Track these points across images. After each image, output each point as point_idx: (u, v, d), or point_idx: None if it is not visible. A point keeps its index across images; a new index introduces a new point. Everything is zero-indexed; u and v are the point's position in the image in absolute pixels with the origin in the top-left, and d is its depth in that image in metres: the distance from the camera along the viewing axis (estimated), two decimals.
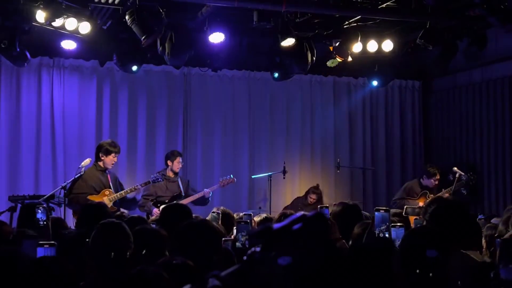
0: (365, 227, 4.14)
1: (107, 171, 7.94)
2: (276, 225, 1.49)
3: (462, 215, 3.67)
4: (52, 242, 3.54)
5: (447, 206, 3.72)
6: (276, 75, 9.99)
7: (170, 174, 8.69)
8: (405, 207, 8.27)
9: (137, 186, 8.03)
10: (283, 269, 1.43)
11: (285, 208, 9.39)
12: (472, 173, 9.56)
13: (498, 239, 3.70)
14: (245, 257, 1.46)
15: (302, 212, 1.52)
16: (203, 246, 3.41)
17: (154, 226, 4.39)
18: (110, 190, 7.82)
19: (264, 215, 5.99)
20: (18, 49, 8.17)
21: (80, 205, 7.38)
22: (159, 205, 8.25)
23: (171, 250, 3.60)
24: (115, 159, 7.98)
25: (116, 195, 7.79)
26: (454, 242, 3.49)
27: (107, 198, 7.68)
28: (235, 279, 1.46)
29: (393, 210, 6.47)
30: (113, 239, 3.49)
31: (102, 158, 7.88)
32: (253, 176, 10.44)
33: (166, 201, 8.19)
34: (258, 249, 1.45)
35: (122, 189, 8.03)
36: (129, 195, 7.94)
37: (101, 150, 7.93)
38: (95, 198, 7.61)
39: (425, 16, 8.33)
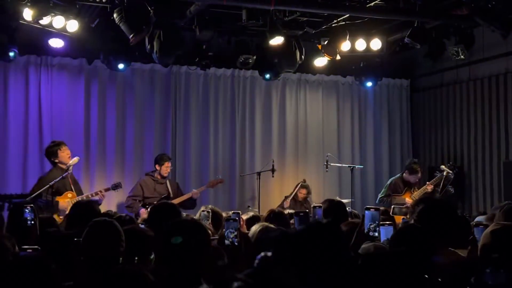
0: (352, 226, 4.15)
1: (66, 173, 7.86)
2: (292, 231, 1.51)
3: (450, 214, 3.69)
4: (36, 246, 3.51)
5: (435, 205, 3.74)
6: (267, 76, 10.00)
7: (158, 177, 8.73)
8: (392, 206, 8.34)
9: (99, 191, 8.05)
10: (296, 273, 1.44)
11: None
12: (451, 162, 9.61)
13: (479, 227, 3.68)
14: (257, 261, 1.47)
15: (317, 219, 1.54)
16: (191, 245, 3.40)
17: (142, 226, 4.38)
18: (73, 192, 7.89)
19: (251, 213, 6.00)
20: (3, 45, 8.13)
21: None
22: (147, 206, 8.27)
23: (160, 249, 3.59)
24: (66, 151, 7.98)
25: (78, 199, 7.77)
26: (442, 241, 3.51)
27: (70, 200, 7.67)
28: (253, 281, 1.47)
29: (381, 209, 6.49)
30: (105, 237, 3.49)
31: (56, 160, 7.93)
32: (241, 175, 10.46)
33: (155, 202, 8.19)
34: (269, 253, 1.45)
35: (79, 188, 8.09)
36: (93, 198, 7.93)
37: (48, 154, 8.01)
38: (58, 199, 7.69)
39: (413, 15, 8.36)
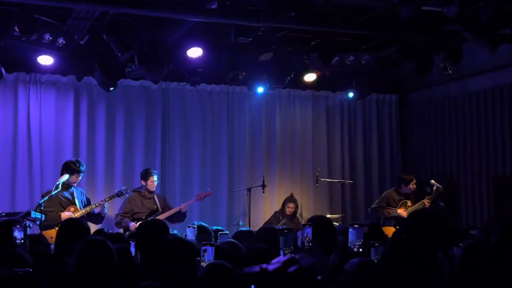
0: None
1: (72, 188, 8.08)
2: (270, 267, 1.48)
3: (440, 227, 3.69)
4: (28, 269, 3.49)
5: (425, 219, 3.74)
6: (261, 89, 10.02)
7: (146, 192, 8.72)
8: (381, 218, 8.40)
9: (101, 201, 8.21)
10: None
11: (265, 223, 9.39)
12: (443, 183, 9.68)
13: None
14: None
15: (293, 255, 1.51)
16: (177, 264, 3.39)
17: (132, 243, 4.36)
18: (75, 206, 8.03)
19: (246, 229, 5.96)
20: None
21: (47, 222, 7.57)
22: (136, 221, 8.27)
23: (146, 268, 3.57)
24: (79, 178, 8.22)
25: (81, 212, 7.99)
26: (432, 255, 3.50)
27: (72, 214, 7.88)
28: None
29: (369, 223, 6.47)
30: (98, 256, 3.46)
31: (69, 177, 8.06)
32: (232, 191, 10.43)
33: (143, 217, 8.18)
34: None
35: (89, 204, 8.21)
36: (95, 210, 8.13)
37: (65, 169, 8.12)
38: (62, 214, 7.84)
39: (401, 30, 8.42)
